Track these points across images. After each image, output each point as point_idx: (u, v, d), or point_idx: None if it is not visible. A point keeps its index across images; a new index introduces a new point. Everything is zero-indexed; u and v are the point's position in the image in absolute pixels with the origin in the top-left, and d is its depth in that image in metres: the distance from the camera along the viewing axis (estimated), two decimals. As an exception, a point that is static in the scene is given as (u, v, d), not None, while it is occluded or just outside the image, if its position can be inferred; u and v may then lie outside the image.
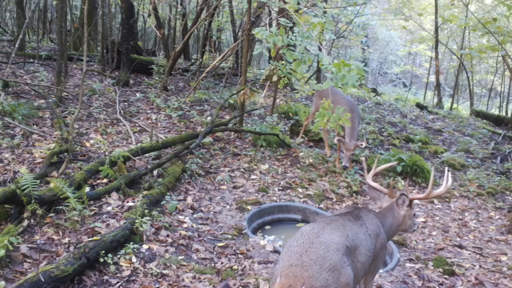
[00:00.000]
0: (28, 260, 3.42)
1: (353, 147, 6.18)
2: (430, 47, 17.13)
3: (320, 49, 7.31)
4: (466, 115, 13.70)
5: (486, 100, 17.48)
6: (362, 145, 6.13)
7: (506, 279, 4.26)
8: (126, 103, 7.99)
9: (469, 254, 4.79)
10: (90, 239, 3.67)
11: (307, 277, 2.39)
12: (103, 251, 3.52)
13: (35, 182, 3.95)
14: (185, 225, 4.45)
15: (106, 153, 5.69)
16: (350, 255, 2.66)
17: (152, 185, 4.89)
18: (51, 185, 4.37)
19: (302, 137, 7.67)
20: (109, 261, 3.53)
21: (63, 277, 3.14)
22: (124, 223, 3.99)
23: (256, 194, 5.47)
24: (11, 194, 3.80)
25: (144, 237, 4.00)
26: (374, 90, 15.84)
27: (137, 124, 6.98)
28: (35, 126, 6.17)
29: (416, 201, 6.03)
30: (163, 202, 4.75)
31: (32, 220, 3.91)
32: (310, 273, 2.40)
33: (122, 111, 7.34)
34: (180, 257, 3.85)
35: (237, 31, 12.55)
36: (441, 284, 4.08)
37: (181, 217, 4.58)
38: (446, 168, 3.48)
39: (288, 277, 2.41)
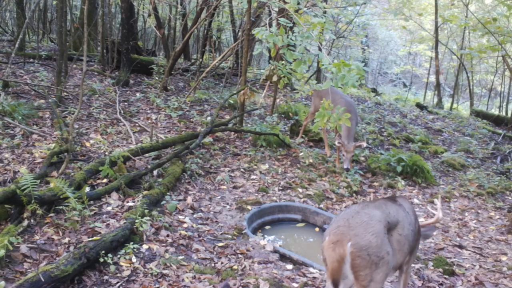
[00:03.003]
0: (28, 260, 3.42)
1: (353, 148, 6.19)
2: (430, 47, 17.11)
3: (320, 49, 7.30)
4: (466, 115, 13.68)
5: (486, 100, 17.45)
6: (363, 145, 6.17)
7: (506, 279, 4.26)
8: (126, 103, 7.99)
9: (469, 254, 4.79)
10: (90, 239, 3.67)
11: (353, 235, 2.70)
12: (103, 251, 3.52)
13: (35, 182, 3.95)
14: (185, 225, 4.45)
15: (106, 153, 5.69)
16: (391, 231, 2.89)
17: (152, 185, 4.89)
18: (51, 185, 4.37)
19: (302, 137, 7.67)
20: (109, 261, 3.53)
21: (63, 277, 3.14)
22: (124, 223, 3.99)
23: (256, 194, 5.46)
24: (11, 194, 3.80)
25: (144, 237, 4.00)
26: (374, 90, 15.83)
27: (137, 124, 6.98)
28: (35, 126, 6.17)
29: (416, 201, 6.05)
30: (163, 202, 4.75)
31: (32, 220, 3.91)
32: (355, 232, 2.71)
33: (122, 111, 7.34)
34: (180, 257, 3.85)
35: (237, 31, 12.55)
36: (441, 284, 4.07)
37: (181, 217, 4.58)
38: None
39: (336, 234, 2.75)
